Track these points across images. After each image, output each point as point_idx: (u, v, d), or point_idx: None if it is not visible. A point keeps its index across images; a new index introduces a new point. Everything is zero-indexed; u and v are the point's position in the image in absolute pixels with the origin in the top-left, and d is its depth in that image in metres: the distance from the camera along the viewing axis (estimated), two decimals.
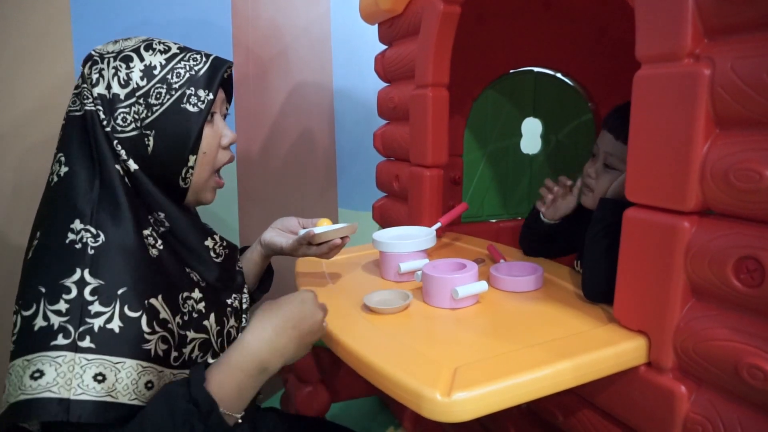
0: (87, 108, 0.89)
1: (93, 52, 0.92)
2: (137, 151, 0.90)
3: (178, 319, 0.87)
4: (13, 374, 0.74)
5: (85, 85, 0.90)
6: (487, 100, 1.67)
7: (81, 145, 0.88)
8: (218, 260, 1.02)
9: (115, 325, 0.77)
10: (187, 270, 0.95)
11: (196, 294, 0.93)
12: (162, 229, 0.94)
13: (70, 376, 0.72)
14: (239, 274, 1.10)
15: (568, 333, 0.87)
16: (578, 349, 0.81)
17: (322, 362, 1.55)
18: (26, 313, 0.76)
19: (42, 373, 0.72)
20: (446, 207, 1.53)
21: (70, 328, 0.75)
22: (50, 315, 0.75)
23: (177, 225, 0.95)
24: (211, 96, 0.94)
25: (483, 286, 1.00)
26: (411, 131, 1.48)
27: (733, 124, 0.71)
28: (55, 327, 0.74)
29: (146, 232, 0.89)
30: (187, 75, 0.93)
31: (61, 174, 0.86)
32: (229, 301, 1.01)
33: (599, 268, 0.98)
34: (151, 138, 0.90)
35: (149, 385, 0.79)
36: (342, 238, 1.10)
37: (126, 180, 0.89)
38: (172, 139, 0.91)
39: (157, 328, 0.81)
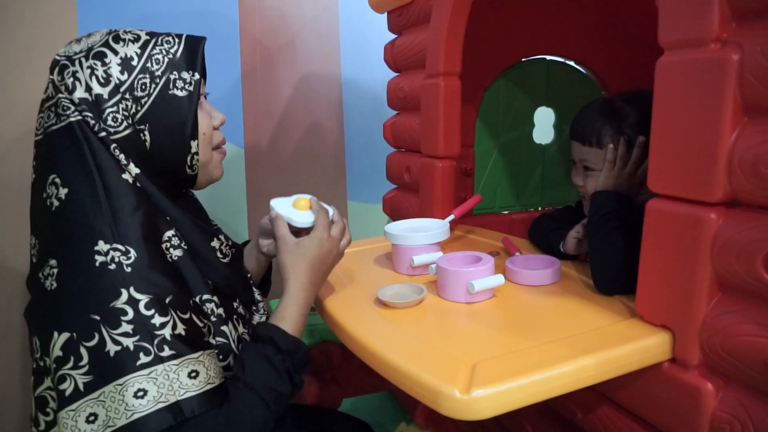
0: (72, 119, 0.84)
1: (58, 57, 0.87)
2: (135, 149, 0.87)
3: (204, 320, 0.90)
4: (107, 401, 0.74)
5: (60, 95, 0.85)
6: (499, 90, 1.64)
7: (74, 161, 0.83)
8: (225, 260, 0.98)
9: (180, 329, 0.80)
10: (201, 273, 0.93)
11: (215, 298, 0.92)
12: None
13: (168, 383, 0.76)
14: (246, 274, 1.09)
15: (588, 328, 0.85)
16: (600, 344, 0.79)
17: (334, 357, 1.54)
18: (90, 344, 0.76)
19: (145, 392, 0.74)
20: (458, 199, 1.51)
21: (146, 344, 0.76)
22: (120, 339, 0.76)
23: (181, 228, 0.92)
24: (196, 76, 0.91)
25: (499, 279, 0.98)
26: (422, 122, 1.46)
27: (762, 111, 0.68)
28: (132, 348, 0.76)
29: (170, 233, 0.88)
30: (166, 60, 0.89)
31: (62, 197, 0.82)
32: (235, 305, 0.98)
33: (603, 258, 0.99)
34: (146, 132, 0.87)
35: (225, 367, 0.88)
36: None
37: (137, 184, 0.86)
38: (168, 129, 0.89)
39: (204, 321, 0.87)
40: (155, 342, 0.77)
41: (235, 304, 0.98)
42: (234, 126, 1.85)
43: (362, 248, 1.36)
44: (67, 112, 0.84)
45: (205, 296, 0.90)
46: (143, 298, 0.78)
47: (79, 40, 0.88)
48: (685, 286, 0.77)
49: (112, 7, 1.61)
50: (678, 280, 0.78)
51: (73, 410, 0.75)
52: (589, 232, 1.06)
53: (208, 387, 0.79)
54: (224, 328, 0.91)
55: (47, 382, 0.80)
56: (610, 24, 1.67)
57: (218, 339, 0.90)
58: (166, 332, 0.78)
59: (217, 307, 0.91)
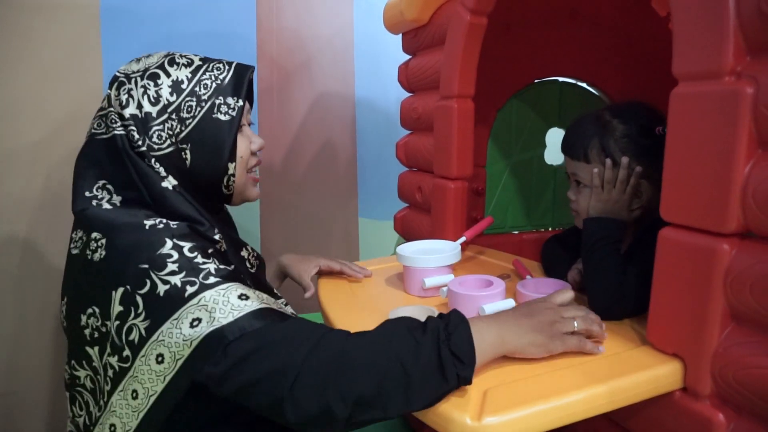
0: (116, 132, 0.90)
1: (118, 74, 0.94)
2: (176, 166, 0.92)
3: None
4: (166, 338, 0.78)
5: (112, 108, 0.91)
6: (511, 110, 1.65)
7: (119, 170, 0.90)
8: (252, 270, 1.03)
9: (224, 267, 0.84)
10: None
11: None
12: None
13: (219, 308, 0.78)
14: (269, 285, 1.12)
15: (599, 355, 0.85)
16: (612, 372, 0.79)
17: None
18: (143, 291, 0.80)
19: (199, 320, 0.77)
20: (470, 219, 1.51)
21: (192, 278, 0.80)
22: (167, 278, 0.80)
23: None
24: (240, 102, 0.96)
25: (510, 303, 0.98)
26: (435, 142, 1.46)
27: None
28: (179, 285, 0.79)
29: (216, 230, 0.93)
30: (214, 85, 0.95)
31: (117, 203, 0.89)
32: None
33: (596, 286, 1.00)
34: (188, 152, 0.92)
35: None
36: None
37: (177, 191, 0.91)
38: (208, 150, 0.94)
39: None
40: (200, 275, 0.81)
41: None
42: None
43: (373, 268, 1.37)
44: (114, 125, 0.90)
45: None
46: (187, 244, 0.83)
47: (138, 60, 0.95)
48: (697, 316, 0.77)
49: (135, 27, 1.63)
50: (690, 309, 0.78)
51: (143, 355, 0.80)
52: (583, 261, 1.06)
53: (262, 306, 0.81)
54: None
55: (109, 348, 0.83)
56: (623, 46, 1.68)
57: None
58: (211, 266, 0.82)
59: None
